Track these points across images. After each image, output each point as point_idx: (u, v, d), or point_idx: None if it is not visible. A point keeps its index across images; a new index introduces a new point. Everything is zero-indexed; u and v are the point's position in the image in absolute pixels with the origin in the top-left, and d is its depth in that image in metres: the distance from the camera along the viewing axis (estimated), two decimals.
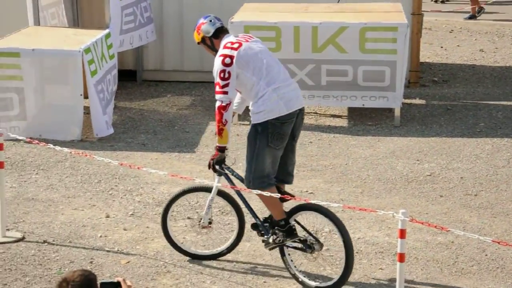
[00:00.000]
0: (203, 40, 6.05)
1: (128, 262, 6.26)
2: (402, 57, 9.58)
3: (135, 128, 9.68)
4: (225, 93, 5.74)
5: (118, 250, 6.45)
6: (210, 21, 6.01)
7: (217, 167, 6.02)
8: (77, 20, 11.37)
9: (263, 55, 5.88)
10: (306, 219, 6.07)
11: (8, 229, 6.69)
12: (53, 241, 6.59)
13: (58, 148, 7.21)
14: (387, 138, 9.28)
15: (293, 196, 5.99)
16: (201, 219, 6.32)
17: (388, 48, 9.57)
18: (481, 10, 15.78)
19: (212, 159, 5.98)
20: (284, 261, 6.01)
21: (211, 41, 6.02)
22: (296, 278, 5.94)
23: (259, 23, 9.77)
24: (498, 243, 5.40)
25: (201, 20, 6.07)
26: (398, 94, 9.65)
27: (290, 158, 6.07)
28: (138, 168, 7.34)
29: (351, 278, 5.98)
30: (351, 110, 10.24)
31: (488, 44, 14.11)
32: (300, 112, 5.96)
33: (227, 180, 6.15)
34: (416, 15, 11.21)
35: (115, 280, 3.71)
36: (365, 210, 5.97)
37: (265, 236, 6.04)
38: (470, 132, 9.47)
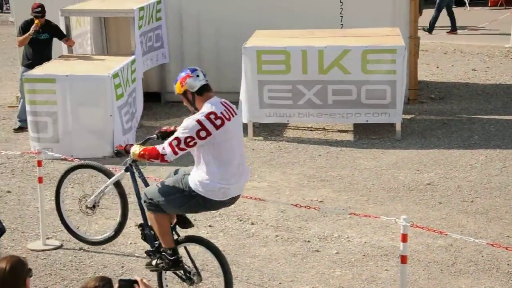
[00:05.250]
0: (185, 93, 5.25)
1: None
2: (401, 77, 9.62)
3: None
4: (176, 153, 5.12)
5: (146, 256, 6.49)
6: (197, 76, 5.23)
7: (128, 163, 5.65)
8: (106, 48, 11.50)
9: (233, 145, 5.22)
10: (194, 248, 5.70)
11: (48, 238, 6.76)
12: (88, 248, 6.64)
13: None
14: (389, 150, 9.31)
15: (192, 225, 5.63)
16: (87, 197, 6.12)
17: (388, 69, 9.62)
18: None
19: (124, 147, 5.52)
20: (159, 285, 5.64)
21: (193, 97, 5.23)
22: None
23: (270, 47, 9.86)
24: (493, 245, 5.42)
25: (187, 73, 5.27)
26: (398, 110, 9.70)
27: None
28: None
29: (358, 279, 6.02)
30: (356, 126, 10.29)
31: (480, 63, 14.13)
32: (227, 206, 5.45)
33: (132, 178, 5.76)
34: (413, 38, 11.27)
35: (133, 278, 3.64)
36: (370, 216, 6.01)
37: (151, 255, 5.58)
38: (465, 144, 9.49)
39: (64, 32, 10.40)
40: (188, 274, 5.49)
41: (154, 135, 5.83)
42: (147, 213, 5.47)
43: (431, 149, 9.33)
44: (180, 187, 5.28)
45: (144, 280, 3.64)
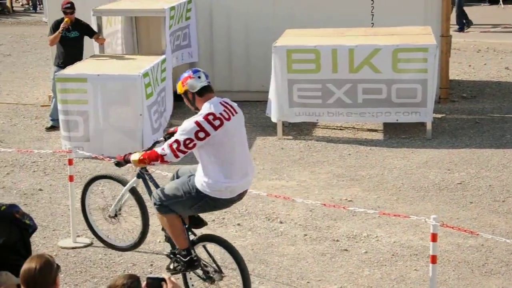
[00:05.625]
0: (185, 93, 5.28)
1: None
2: (432, 76, 9.50)
3: None
4: (177, 156, 5.14)
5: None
6: (199, 77, 5.25)
7: (138, 170, 5.75)
8: (136, 47, 11.55)
9: (234, 144, 5.23)
10: (213, 247, 5.63)
11: (78, 236, 6.80)
12: None
13: None
14: (420, 150, 9.20)
15: (206, 223, 5.63)
16: (109, 207, 6.15)
17: (420, 68, 9.51)
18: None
19: (124, 157, 5.56)
20: (185, 285, 5.64)
21: (194, 97, 5.24)
22: None
23: (300, 46, 9.80)
24: None
25: (189, 73, 5.30)
26: (429, 109, 9.57)
27: None
28: None
29: (387, 279, 5.95)
30: (386, 125, 10.18)
31: None
32: (236, 202, 5.43)
33: (144, 184, 5.82)
34: (445, 37, 11.12)
35: (161, 276, 3.65)
36: (400, 216, 5.94)
37: (171, 257, 5.57)
38: (497, 144, 9.33)
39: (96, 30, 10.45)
40: (207, 274, 5.47)
41: (162, 137, 5.84)
42: (158, 216, 5.47)
43: (462, 148, 9.20)
44: (187, 189, 5.29)
45: (172, 278, 3.65)
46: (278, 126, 9.88)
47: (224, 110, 5.21)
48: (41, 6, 22.45)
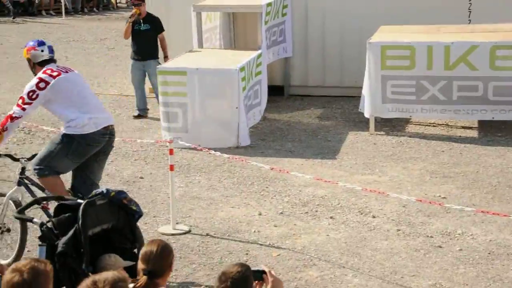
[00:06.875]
0: (28, 60, 6.00)
1: (279, 255, 6.34)
2: None
3: (283, 137, 9.81)
4: (23, 109, 5.75)
5: (270, 244, 6.55)
6: (42, 51, 5.93)
7: (17, 178, 5.95)
8: (233, 43, 11.68)
9: (78, 87, 5.87)
10: None
11: (177, 223, 6.94)
12: (214, 234, 6.76)
13: (218, 153, 7.45)
14: None
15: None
16: None
17: None
18: None
19: None
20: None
21: (34, 66, 5.96)
22: None
23: (395, 43, 9.66)
24: None
25: (34, 45, 5.96)
26: None
27: (92, 174, 5.97)
28: (287, 172, 7.46)
29: (483, 277, 5.79)
30: (481, 122, 9.90)
31: None
32: (110, 139, 5.95)
33: (27, 189, 5.97)
34: None
35: (262, 268, 3.65)
36: (498, 214, 5.77)
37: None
38: None
39: (197, 30, 10.58)
40: None
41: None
42: (40, 180, 5.85)
43: None
44: (57, 141, 5.84)
45: (272, 272, 3.65)
46: (370, 122, 9.78)
47: (62, 68, 5.96)
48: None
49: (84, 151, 5.85)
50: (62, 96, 5.79)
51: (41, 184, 5.95)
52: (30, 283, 2.97)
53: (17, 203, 5.95)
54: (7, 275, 2.99)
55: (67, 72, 5.93)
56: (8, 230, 6.15)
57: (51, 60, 5.96)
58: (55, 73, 5.82)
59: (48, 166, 5.84)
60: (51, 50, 5.98)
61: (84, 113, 5.77)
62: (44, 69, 5.86)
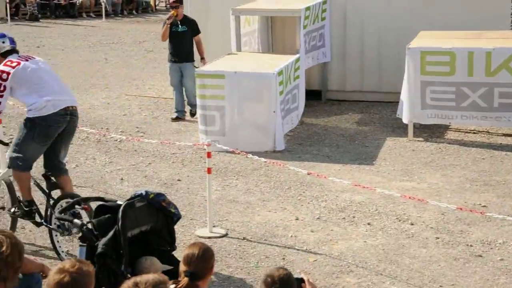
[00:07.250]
0: None
1: (315, 260, 6.28)
2: None
3: (320, 142, 9.74)
4: None
5: (307, 249, 6.49)
6: (3, 42, 6.22)
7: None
8: (271, 46, 11.64)
9: (39, 72, 6.07)
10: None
11: (214, 226, 6.92)
12: (251, 238, 6.72)
13: (255, 157, 7.41)
14: None
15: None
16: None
17: None
18: None
19: None
20: (52, 242, 6.14)
21: None
22: (58, 254, 6.10)
23: (435, 48, 9.53)
24: None
25: None
26: None
27: (58, 152, 6.23)
28: (325, 177, 7.39)
29: None
30: None
31: None
32: (71, 119, 6.14)
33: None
34: None
35: (300, 276, 3.66)
36: None
37: (13, 207, 6.26)
38: None
39: (235, 33, 10.58)
40: (64, 227, 5.87)
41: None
42: (13, 173, 6.15)
43: None
44: (22, 127, 6.09)
45: (311, 280, 3.64)
46: (409, 128, 9.66)
47: (23, 57, 6.19)
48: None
49: (48, 132, 6.12)
50: (22, 83, 6.06)
51: (12, 175, 6.30)
52: (78, 284, 3.08)
53: (8, 184, 6.39)
54: (54, 276, 3.06)
55: (27, 60, 6.19)
56: (3, 208, 6.63)
57: (13, 51, 6.25)
58: (14, 63, 6.09)
59: (22, 156, 6.10)
60: (12, 41, 6.29)
61: (42, 96, 6.04)
62: (5, 61, 6.16)
